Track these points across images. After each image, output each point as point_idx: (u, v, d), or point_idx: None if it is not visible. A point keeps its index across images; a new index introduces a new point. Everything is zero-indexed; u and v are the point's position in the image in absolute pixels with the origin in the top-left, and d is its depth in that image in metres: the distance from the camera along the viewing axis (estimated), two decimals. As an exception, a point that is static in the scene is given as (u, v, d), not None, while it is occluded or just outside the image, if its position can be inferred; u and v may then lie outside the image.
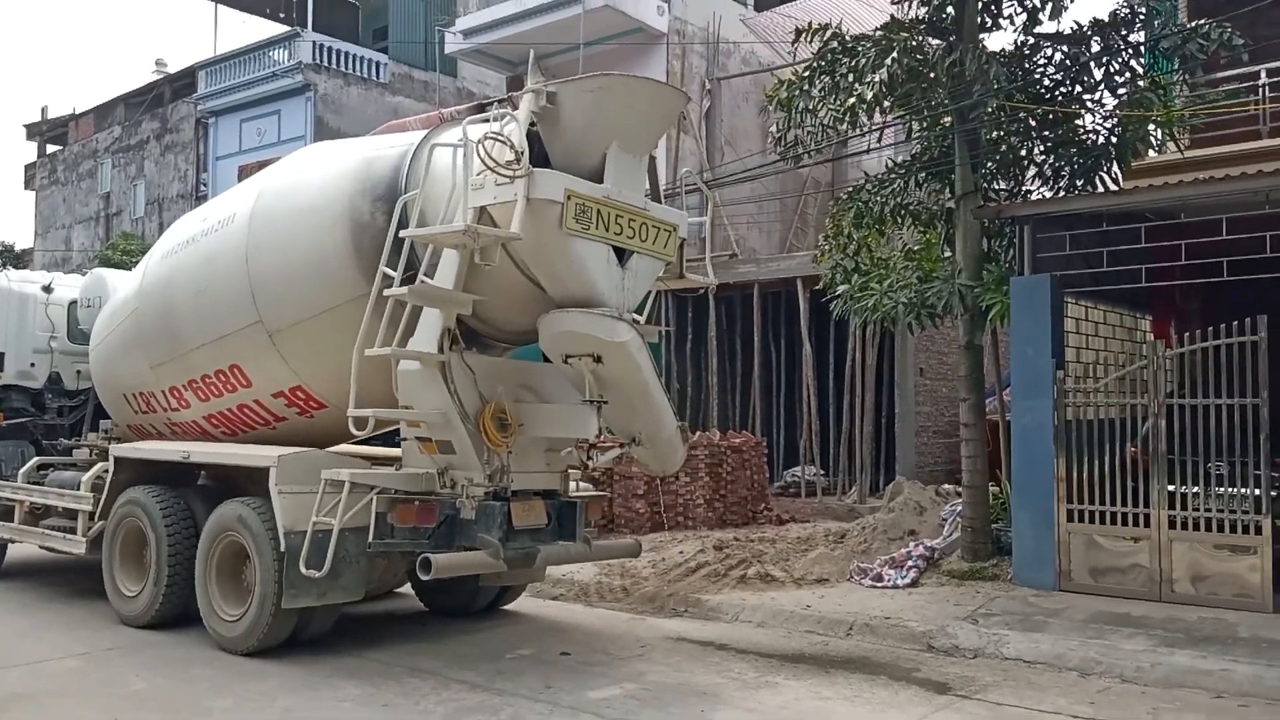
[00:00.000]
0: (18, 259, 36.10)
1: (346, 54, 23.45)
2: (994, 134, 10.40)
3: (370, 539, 7.04)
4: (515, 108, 7.12)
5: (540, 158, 6.88)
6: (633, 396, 7.26)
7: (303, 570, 6.93)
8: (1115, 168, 10.40)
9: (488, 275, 6.99)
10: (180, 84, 27.97)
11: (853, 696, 6.49)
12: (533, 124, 6.83)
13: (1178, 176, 9.41)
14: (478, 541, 7.03)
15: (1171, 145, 10.74)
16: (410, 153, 7.49)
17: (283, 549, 7.08)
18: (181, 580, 8.07)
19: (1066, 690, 6.63)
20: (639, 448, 7.62)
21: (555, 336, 7.08)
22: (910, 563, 9.74)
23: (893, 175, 10.79)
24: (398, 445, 7.69)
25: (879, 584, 9.52)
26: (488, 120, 7.26)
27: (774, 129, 11.20)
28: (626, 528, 12.67)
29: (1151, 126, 10.11)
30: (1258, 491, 8.12)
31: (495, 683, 6.74)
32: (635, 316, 7.14)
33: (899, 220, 10.92)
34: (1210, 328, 8.46)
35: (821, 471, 15.90)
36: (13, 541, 10.40)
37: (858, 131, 10.95)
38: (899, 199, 10.67)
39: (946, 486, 12.50)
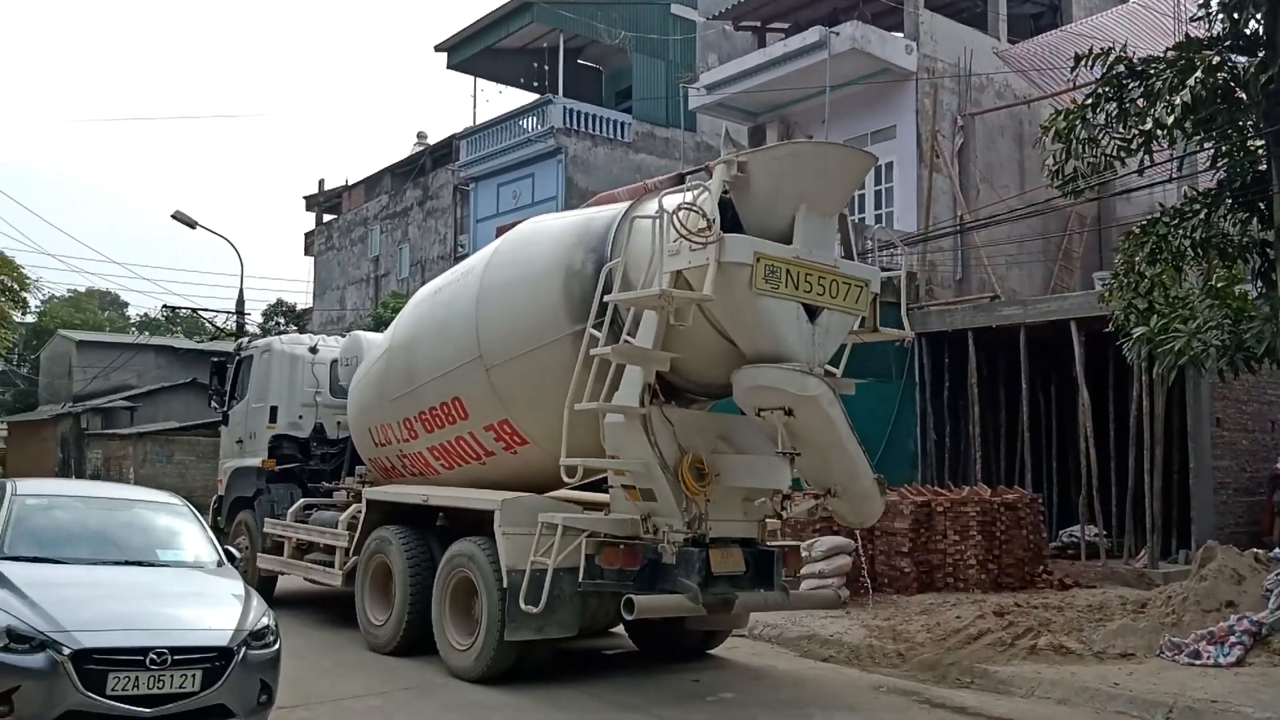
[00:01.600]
0: (299, 318, 39.93)
1: (593, 116, 24.39)
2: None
3: (580, 578, 7.53)
4: (710, 176, 7.65)
5: (733, 223, 7.43)
6: (826, 449, 7.58)
7: (521, 605, 7.56)
8: None
9: (686, 334, 7.49)
10: (439, 154, 30.09)
11: (1194, 793, 5.71)
12: (726, 192, 7.38)
13: None
14: (678, 585, 7.46)
15: None
16: (615, 222, 8.12)
17: (505, 585, 7.73)
18: (420, 611, 8.83)
19: None
20: (835, 499, 7.92)
21: (748, 391, 7.50)
22: (1234, 638, 8.62)
23: (1195, 205, 9.79)
24: (607, 491, 8.22)
25: (1197, 661, 8.49)
26: (685, 190, 7.77)
27: (1049, 161, 10.47)
28: (890, 587, 12.06)
29: None
30: None
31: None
32: (828, 369, 7.53)
33: (1201, 254, 9.88)
34: None
35: (1103, 532, 14.57)
36: (282, 574, 11.72)
37: (1150, 161, 10.07)
38: (1202, 232, 9.66)
39: (1263, 551, 11.04)
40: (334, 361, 12.65)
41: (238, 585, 6.90)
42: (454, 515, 9.00)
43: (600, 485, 8.44)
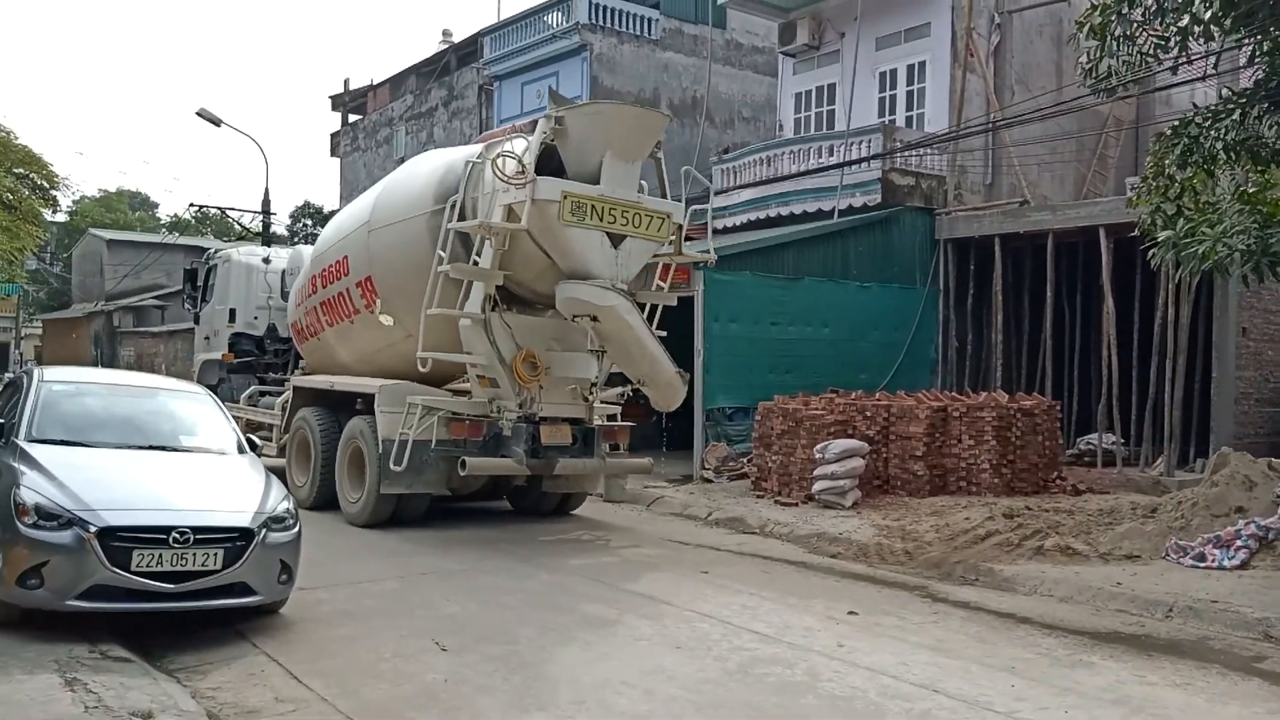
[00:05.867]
0: (325, 220, 39.97)
1: (619, 11, 23.77)
2: (1363, 53, 8.88)
3: (433, 445, 9.81)
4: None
5: (559, 167, 9.52)
6: (628, 347, 9.64)
7: (391, 466, 9.74)
8: None
9: (522, 256, 9.72)
10: (465, 52, 29.59)
11: (1183, 684, 5.85)
12: (553, 140, 9.44)
13: None
14: (510, 452, 9.86)
15: None
16: (466, 164, 10.20)
17: (381, 450, 9.92)
18: (329, 475, 11.06)
19: None
20: (646, 388, 10.03)
21: (563, 301, 9.55)
22: (1240, 542, 8.69)
23: (1230, 106, 9.48)
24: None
25: (1201, 564, 8.58)
26: (523, 137, 10.09)
27: (1083, 59, 10.13)
28: (903, 490, 12.20)
29: None
30: None
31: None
32: (624, 286, 9.49)
33: (1234, 157, 9.60)
34: None
35: (1121, 440, 14.56)
36: None
37: (1186, 58, 9.73)
38: (1236, 133, 9.36)
39: (1278, 460, 11.01)
40: (284, 271, 15.08)
41: (259, 471, 7.12)
42: (353, 398, 11.02)
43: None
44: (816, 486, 11.54)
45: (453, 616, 6.99)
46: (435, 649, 6.18)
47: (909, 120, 17.85)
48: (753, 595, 7.80)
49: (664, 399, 10.08)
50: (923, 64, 17.87)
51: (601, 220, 9.32)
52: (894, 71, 18.30)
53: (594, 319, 9.46)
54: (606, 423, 10.82)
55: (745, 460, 13.67)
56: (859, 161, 16.17)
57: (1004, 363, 16.14)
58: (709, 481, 13.66)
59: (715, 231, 18.39)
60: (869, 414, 12.38)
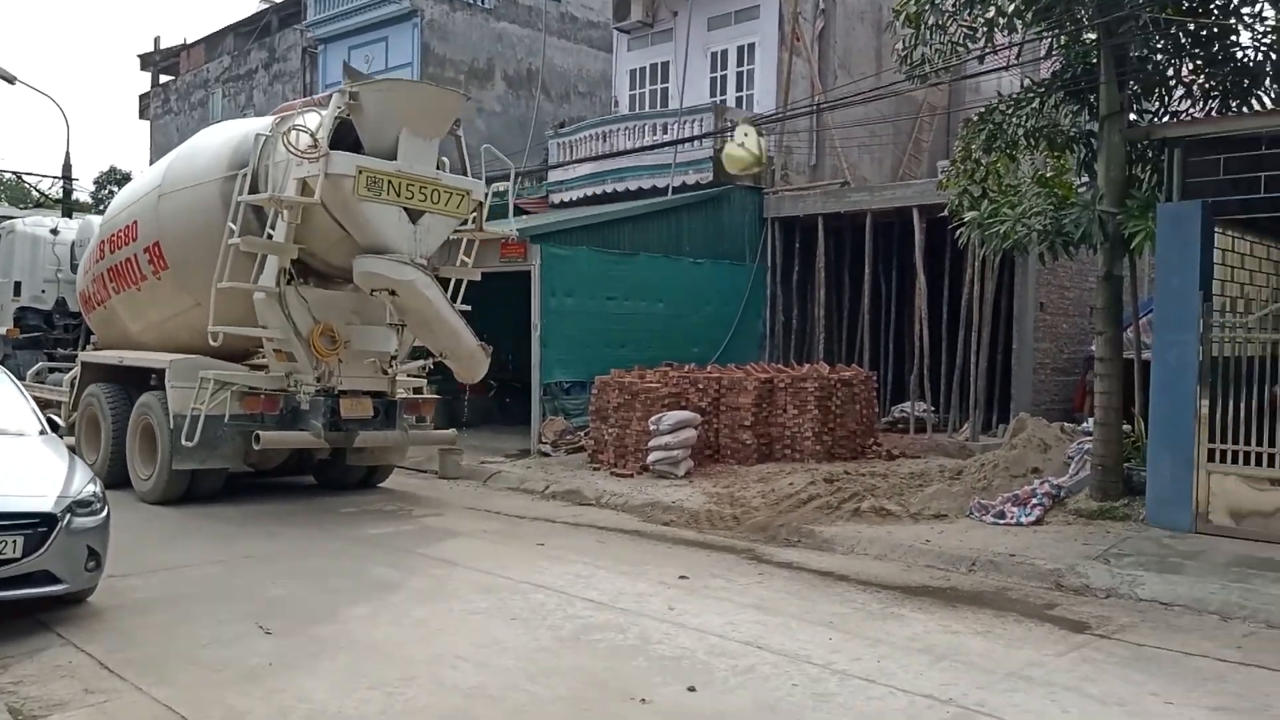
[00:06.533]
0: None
1: (452, -22, 23.28)
2: (1142, 51, 9.72)
3: (226, 419, 9.71)
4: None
5: (356, 142, 9.43)
6: (428, 321, 9.70)
7: (184, 442, 9.54)
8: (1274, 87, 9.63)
9: (319, 229, 9.63)
10: (287, 13, 28.23)
11: (984, 631, 6.32)
12: (349, 114, 9.33)
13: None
14: (307, 426, 9.84)
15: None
16: (256, 138, 10.07)
17: (172, 426, 9.70)
18: (120, 451, 10.76)
19: (1209, 633, 6.34)
20: (449, 360, 10.12)
21: (361, 275, 9.57)
22: (1035, 500, 9.44)
23: (1030, 95, 10.20)
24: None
25: (1001, 521, 9.26)
26: (316, 111, 9.96)
27: (899, 46, 10.67)
28: (733, 458, 12.60)
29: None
30: None
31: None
32: (423, 261, 9.53)
33: (1034, 143, 10.35)
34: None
35: (931, 408, 15.51)
36: None
37: (991, 48, 10.39)
38: (1034, 120, 10.10)
39: (1069, 425, 12.02)
40: (74, 243, 14.60)
41: (61, 454, 6.67)
42: (143, 374, 10.84)
43: None
44: (651, 457, 11.77)
45: (277, 599, 6.77)
46: (259, 632, 5.98)
47: (739, 101, 18.28)
48: (587, 565, 7.91)
49: (467, 372, 10.21)
50: (752, 46, 18.33)
51: (399, 195, 9.36)
52: (725, 52, 18.69)
53: (392, 293, 9.50)
54: (410, 395, 10.90)
55: (582, 434, 13.79)
56: (691, 140, 16.48)
57: (826, 336, 16.88)
58: (546, 455, 13.70)
59: (553, 206, 18.46)
60: (701, 386, 12.71)
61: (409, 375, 11.02)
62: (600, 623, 6.29)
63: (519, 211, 14.58)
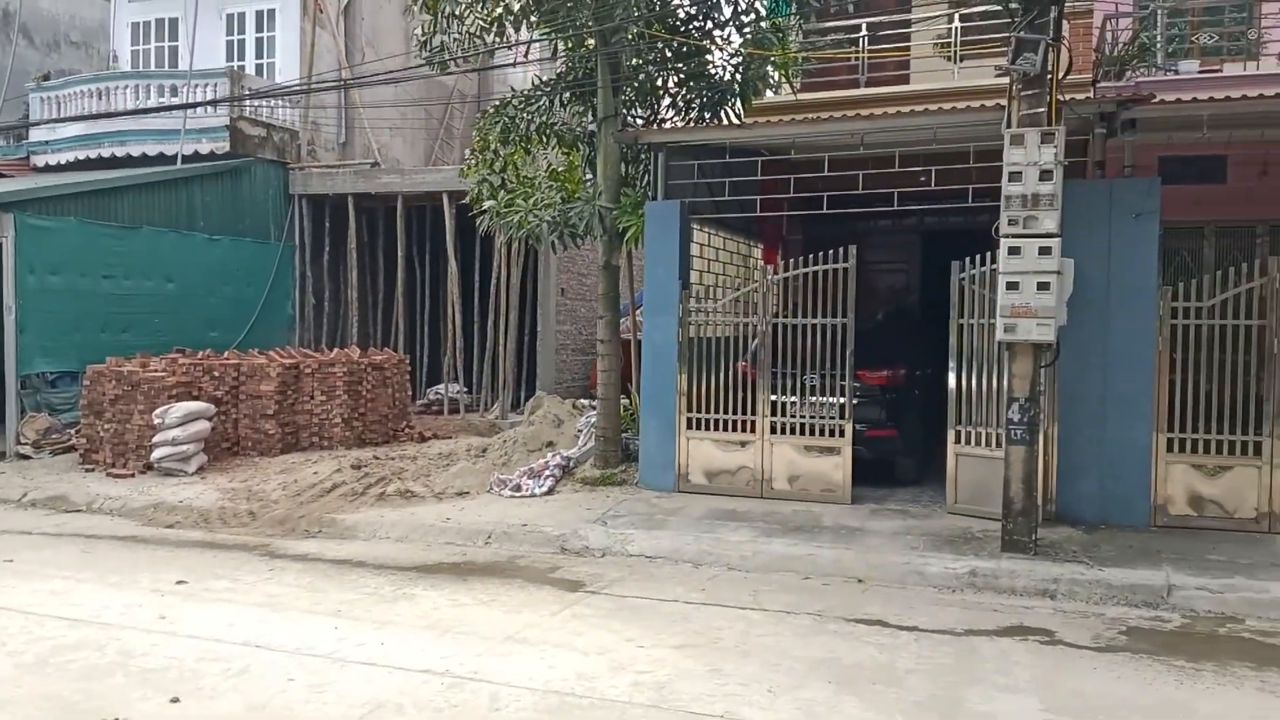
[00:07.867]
0: None
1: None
2: (634, 60, 10.73)
3: None
4: None
5: None
6: None
7: None
8: (739, 104, 11.12)
9: None
10: None
11: (489, 600, 6.65)
12: None
13: (790, 116, 10.30)
14: None
15: (787, 87, 11.68)
16: None
17: None
18: None
19: (683, 580, 7.25)
20: None
21: None
22: (548, 472, 10.09)
23: (539, 93, 10.82)
24: None
25: (518, 494, 9.78)
26: None
27: (419, 32, 10.76)
28: (254, 450, 11.95)
29: (770, 68, 10.87)
30: (842, 400, 9.25)
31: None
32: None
33: (544, 139, 11.00)
34: (809, 255, 9.41)
35: (465, 389, 15.94)
36: None
37: (505, 43, 10.84)
38: (545, 117, 10.73)
39: (583, 400, 13.02)
40: None
41: None
42: None
43: None
44: (156, 454, 10.77)
45: None
46: None
47: (259, 69, 17.23)
48: (66, 579, 7.06)
49: None
50: (273, 12, 17.35)
51: None
52: (243, 15, 17.48)
53: None
54: None
55: (73, 431, 12.22)
56: (204, 105, 15.24)
57: (360, 318, 16.62)
58: (27, 458, 11.95)
59: (35, 169, 16.04)
60: (217, 374, 11.86)
61: None
62: (74, 641, 5.65)
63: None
